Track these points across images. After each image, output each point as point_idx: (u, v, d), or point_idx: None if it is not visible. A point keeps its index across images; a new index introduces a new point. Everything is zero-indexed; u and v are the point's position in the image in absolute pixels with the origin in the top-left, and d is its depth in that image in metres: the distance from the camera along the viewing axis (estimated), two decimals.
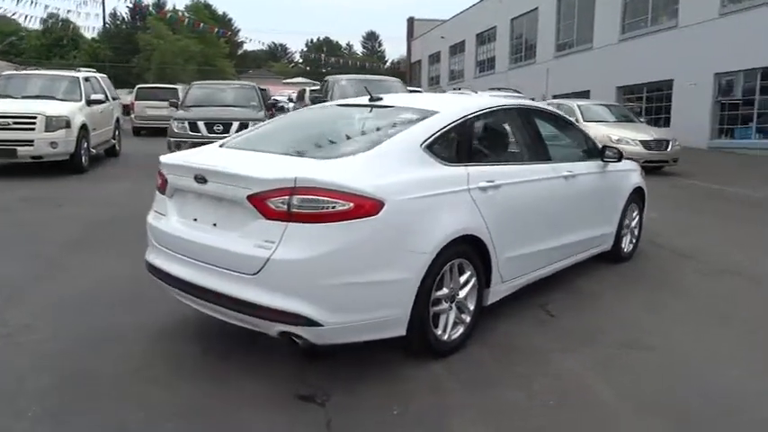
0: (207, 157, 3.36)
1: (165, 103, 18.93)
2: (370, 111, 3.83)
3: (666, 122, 18.36)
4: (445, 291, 3.22)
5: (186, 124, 10.40)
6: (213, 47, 53.30)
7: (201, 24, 41.53)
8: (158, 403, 2.82)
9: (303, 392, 2.92)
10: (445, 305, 3.25)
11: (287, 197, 2.74)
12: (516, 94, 13.27)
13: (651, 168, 10.76)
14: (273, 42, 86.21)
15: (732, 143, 16.32)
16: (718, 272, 5.20)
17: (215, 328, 3.55)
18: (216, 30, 43.06)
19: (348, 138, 3.61)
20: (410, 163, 3.16)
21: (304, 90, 21.64)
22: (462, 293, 3.35)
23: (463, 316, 3.39)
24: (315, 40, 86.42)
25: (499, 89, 14.41)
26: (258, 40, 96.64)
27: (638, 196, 5.43)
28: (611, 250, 5.09)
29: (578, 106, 12.96)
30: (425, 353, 3.25)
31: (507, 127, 4.12)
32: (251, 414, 2.73)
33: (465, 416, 2.77)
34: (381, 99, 3.88)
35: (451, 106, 3.68)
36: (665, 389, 3.07)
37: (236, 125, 10.48)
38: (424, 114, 3.50)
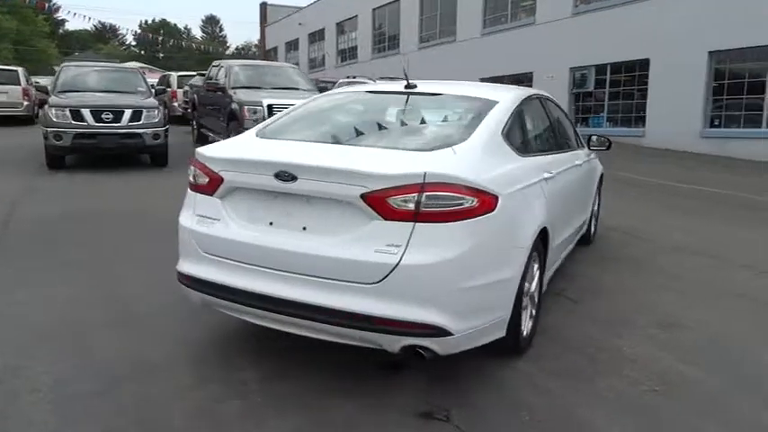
0: (283, 150, 2.94)
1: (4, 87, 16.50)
2: (422, 99, 3.58)
3: None
4: (527, 285, 3.14)
5: (68, 112, 9.02)
6: (30, 24, 47.11)
7: None
8: None
9: (422, 409, 2.69)
10: (526, 300, 3.17)
11: (415, 195, 2.46)
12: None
13: None
14: (101, 22, 78.23)
15: (587, 131, 18.14)
16: (673, 249, 5.71)
17: (266, 348, 3.16)
18: (27, 0, 37.77)
19: (424, 128, 3.36)
20: (500, 154, 3.02)
21: (168, 76, 19.98)
22: (532, 287, 3.30)
23: (533, 310, 3.35)
24: (150, 22, 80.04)
25: (391, 78, 14.46)
26: (84, 16, 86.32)
27: (599, 182, 5.78)
28: (585, 234, 5.37)
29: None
30: (511, 352, 3.16)
31: (542, 116, 4.11)
32: None
33: (595, 410, 2.74)
34: (416, 86, 3.65)
35: (503, 94, 3.58)
36: (731, 360, 3.29)
37: (128, 113, 9.38)
38: (487, 103, 3.36)
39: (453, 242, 2.50)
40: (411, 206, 2.47)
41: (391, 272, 2.47)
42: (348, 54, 31.84)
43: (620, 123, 17.47)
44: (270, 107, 10.07)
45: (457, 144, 2.84)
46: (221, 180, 2.85)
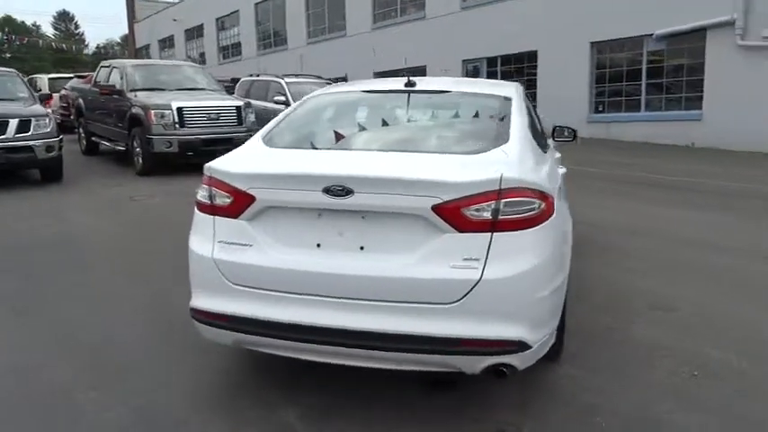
0: (330, 161, 2.62)
1: None
2: (432, 98, 3.37)
3: None
4: None
5: None
6: None
7: None
8: None
9: (494, 429, 2.53)
10: None
11: (492, 202, 2.28)
12: (320, 80, 13.11)
13: None
14: None
15: None
16: (632, 233, 5.95)
17: (293, 379, 2.84)
18: None
19: (455, 129, 3.16)
20: (535, 153, 2.92)
21: (35, 79, 17.94)
22: None
23: None
24: None
25: (296, 75, 13.97)
26: None
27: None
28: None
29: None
30: (554, 356, 3.08)
31: (532, 110, 4.06)
32: None
33: (660, 404, 2.73)
34: (416, 84, 3.44)
35: (507, 90, 3.47)
36: (726, 336, 3.46)
37: (14, 124, 8.25)
38: (501, 100, 3.25)
39: (530, 251, 2.36)
40: (488, 215, 2.29)
41: (472, 288, 2.27)
42: (231, 51, 30.53)
43: None
44: (180, 110, 9.34)
45: (502, 145, 2.69)
46: (252, 199, 2.48)
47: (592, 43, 15.72)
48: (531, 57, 17.26)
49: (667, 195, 7.98)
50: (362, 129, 3.14)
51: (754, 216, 6.65)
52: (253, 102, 11.11)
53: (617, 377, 2.99)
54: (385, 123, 3.15)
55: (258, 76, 13.82)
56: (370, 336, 2.34)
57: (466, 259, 2.29)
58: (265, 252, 2.48)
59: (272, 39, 27.79)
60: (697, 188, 8.52)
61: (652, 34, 14.37)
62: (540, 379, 2.93)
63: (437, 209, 2.29)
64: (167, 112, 9.26)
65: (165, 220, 6.69)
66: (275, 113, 12.71)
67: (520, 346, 2.34)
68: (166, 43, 36.55)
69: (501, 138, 2.78)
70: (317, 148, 2.88)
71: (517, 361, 2.38)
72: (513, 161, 2.51)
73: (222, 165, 2.62)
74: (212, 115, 9.63)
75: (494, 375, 2.41)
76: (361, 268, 2.37)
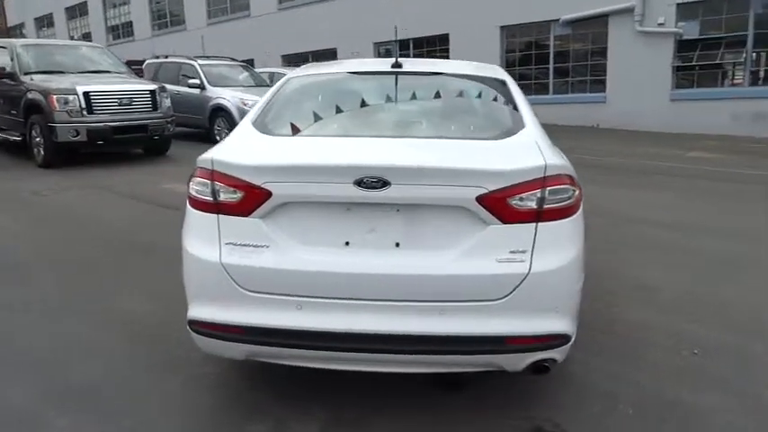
0: (358, 149, 2.35)
1: None
2: (427, 80, 3.17)
3: None
4: None
5: None
6: None
7: None
8: None
9: (532, 426, 2.44)
10: None
11: (537, 191, 2.16)
12: (234, 63, 12.45)
13: None
14: None
15: None
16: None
17: (305, 391, 2.60)
18: None
19: (464, 113, 2.98)
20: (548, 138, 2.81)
21: None
22: None
23: None
24: None
25: (207, 57, 13.10)
26: None
27: None
28: None
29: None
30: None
31: None
32: None
33: (675, 386, 2.76)
34: (402, 66, 3.22)
35: (497, 71, 3.36)
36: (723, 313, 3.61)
37: None
38: (498, 82, 3.13)
39: (569, 241, 2.26)
40: (533, 204, 2.16)
41: (521, 283, 2.14)
42: (122, 31, 28.34)
43: None
44: (87, 95, 8.48)
45: (521, 130, 2.57)
46: (267, 195, 2.18)
47: (501, 27, 16.11)
48: (443, 40, 17.42)
49: (602, 176, 8.33)
50: (370, 113, 2.90)
51: (692, 194, 7.05)
52: None
53: (627, 361, 2.99)
54: (388, 107, 2.93)
55: (167, 57, 12.88)
56: (410, 339, 2.16)
57: (512, 252, 2.15)
58: (285, 253, 2.21)
59: (168, 18, 26.10)
60: (623, 167, 8.94)
61: (558, 19, 14.96)
62: (564, 370, 2.84)
63: (482, 199, 2.12)
64: (72, 97, 8.35)
65: (85, 216, 6.04)
66: (188, 98, 11.99)
67: (564, 339, 2.25)
68: (44, 22, 33.29)
69: (517, 123, 2.66)
70: (330, 136, 2.61)
71: (559, 355, 2.29)
72: (545, 147, 2.38)
73: (228, 156, 2.29)
74: (124, 100, 8.81)
75: (533, 372, 2.30)
76: (397, 267, 2.16)
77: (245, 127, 2.68)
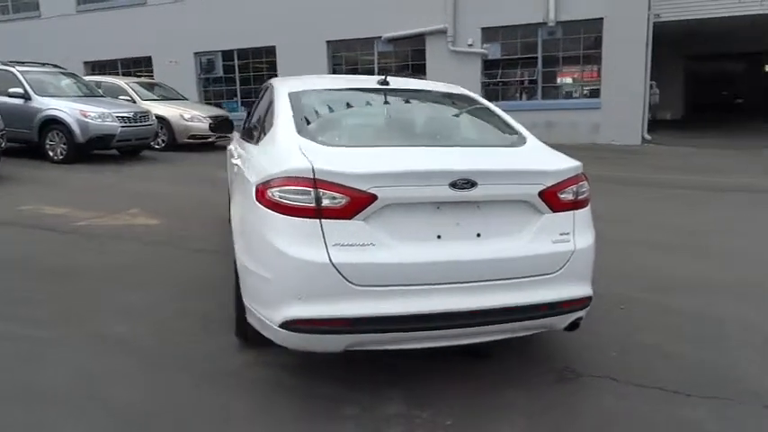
0: (446, 157, 2.79)
1: None
2: (424, 96, 3.63)
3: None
4: None
5: None
6: None
7: None
8: None
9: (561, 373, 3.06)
10: None
11: (575, 186, 2.79)
12: (56, 69, 11.21)
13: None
14: None
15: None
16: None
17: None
18: None
19: (469, 125, 3.52)
20: None
21: None
22: None
23: None
24: None
25: (23, 63, 11.44)
26: None
27: None
28: None
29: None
30: None
31: None
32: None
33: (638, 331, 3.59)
34: (388, 83, 3.64)
35: (463, 90, 3.92)
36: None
37: None
38: (474, 100, 3.71)
39: (589, 223, 2.94)
40: (572, 196, 2.78)
41: (570, 258, 2.75)
42: None
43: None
44: None
45: (527, 139, 3.18)
46: (373, 199, 2.46)
47: (328, 42, 16.85)
48: (270, 52, 17.59)
49: None
50: (403, 125, 3.28)
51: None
52: None
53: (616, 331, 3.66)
54: (408, 120, 3.34)
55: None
56: (494, 312, 2.63)
57: (562, 234, 2.75)
58: (388, 249, 2.51)
59: None
60: None
61: (381, 37, 16.17)
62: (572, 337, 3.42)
63: (542, 194, 2.68)
64: None
65: None
66: (10, 109, 10.49)
67: (590, 300, 2.91)
68: None
69: (517, 131, 3.27)
70: (391, 146, 2.93)
71: (584, 313, 2.93)
72: (557, 151, 3.02)
73: (331, 166, 2.50)
74: None
75: (569, 329, 2.91)
76: (480, 253, 2.62)
77: (296, 139, 2.84)
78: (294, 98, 3.35)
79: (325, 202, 2.48)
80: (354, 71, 16.81)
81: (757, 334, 3.54)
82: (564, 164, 2.84)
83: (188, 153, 12.04)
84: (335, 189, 2.47)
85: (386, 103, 3.53)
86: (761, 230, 6.11)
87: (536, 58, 15.18)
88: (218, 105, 18.62)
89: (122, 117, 10.18)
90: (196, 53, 18.52)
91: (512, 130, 3.30)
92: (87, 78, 12.86)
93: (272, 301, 2.58)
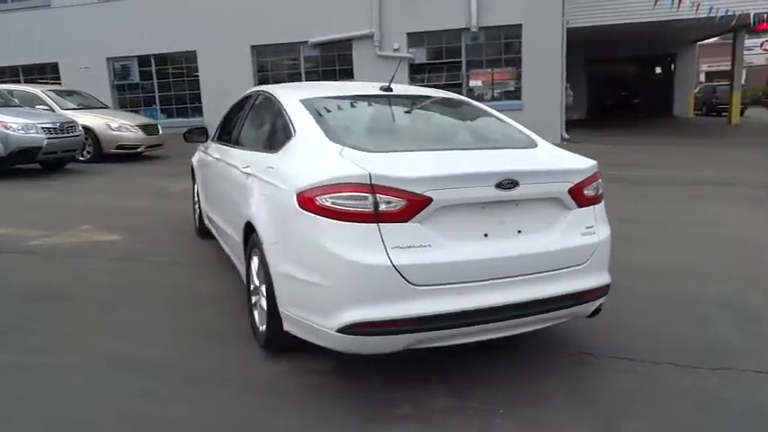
0: (489, 159, 2.96)
1: None
2: (432, 102, 3.77)
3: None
4: None
5: None
6: None
7: None
8: None
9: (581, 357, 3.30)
10: None
11: (595, 182, 3.04)
12: None
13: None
14: None
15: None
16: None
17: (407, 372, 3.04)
18: None
19: (480, 127, 3.69)
20: None
21: None
22: None
23: None
24: None
25: None
26: None
27: None
28: None
29: (46, 92, 11.23)
30: None
31: None
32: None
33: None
34: (391, 90, 3.76)
35: (461, 96, 4.11)
36: None
37: None
38: (474, 104, 3.90)
39: (605, 217, 3.18)
40: (593, 192, 3.02)
41: (596, 249, 2.97)
42: None
43: (176, 114, 17.73)
44: None
45: (537, 140, 3.39)
46: (428, 201, 2.56)
47: (252, 46, 16.58)
48: (190, 57, 17.05)
49: None
50: (428, 130, 3.41)
51: None
52: None
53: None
54: (427, 125, 3.46)
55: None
56: (531, 304, 2.80)
57: (587, 227, 2.98)
58: (443, 249, 2.62)
59: None
60: None
61: (307, 41, 16.13)
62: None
63: (571, 191, 2.90)
64: None
65: None
66: None
67: (608, 288, 3.15)
68: None
69: (525, 133, 3.47)
70: (429, 150, 3.03)
71: (604, 300, 3.17)
72: (569, 151, 3.25)
73: (387, 171, 2.56)
74: None
75: (591, 315, 3.14)
76: (521, 248, 2.79)
77: (332, 146, 2.88)
78: (308, 105, 3.37)
79: (383, 207, 2.55)
80: (281, 77, 16.66)
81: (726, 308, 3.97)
82: (585, 162, 3.07)
83: (116, 164, 11.44)
84: (393, 193, 2.55)
85: (407, 111, 3.66)
86: (696, 218, 6.78)
87: (460, 62, 15.76)
88: (136, 113, 17.83)
89: (48, 128, 9.53)
90: (109, 58, 17.63)
91: (521, 133, 3.50)
92: (4, 87, 11.89)
93: (328, 307, 2.61)
